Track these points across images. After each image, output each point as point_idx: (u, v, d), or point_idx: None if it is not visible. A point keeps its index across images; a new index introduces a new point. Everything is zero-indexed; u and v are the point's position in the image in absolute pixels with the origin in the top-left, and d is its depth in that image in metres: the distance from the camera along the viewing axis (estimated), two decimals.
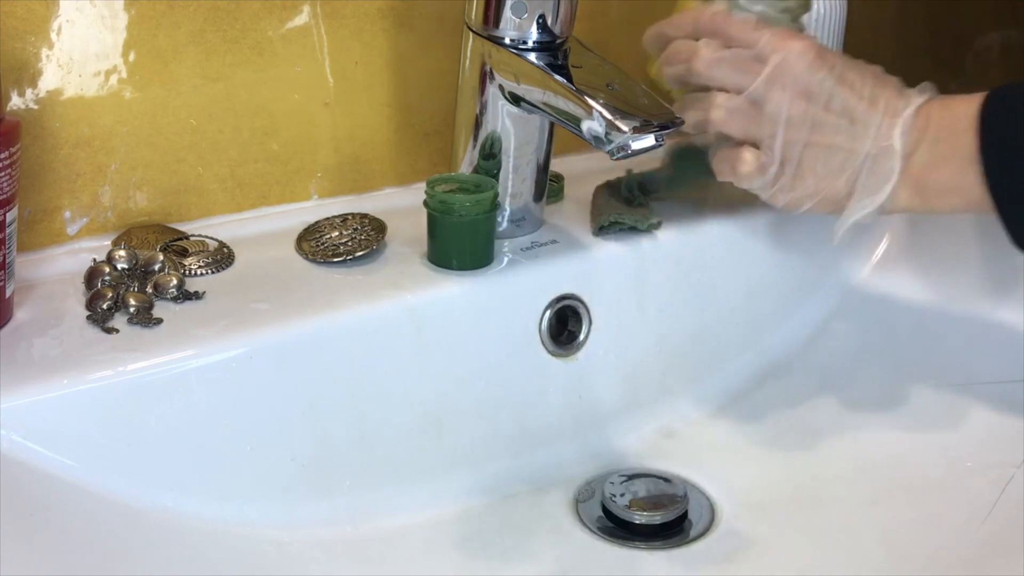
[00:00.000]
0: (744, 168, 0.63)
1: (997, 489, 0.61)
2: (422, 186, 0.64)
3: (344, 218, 0.68)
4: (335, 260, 0.64)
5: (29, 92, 0.61)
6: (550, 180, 0.70)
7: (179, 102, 0.65)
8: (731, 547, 0.60)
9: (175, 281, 0.59)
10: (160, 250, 0.63)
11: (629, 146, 0.58)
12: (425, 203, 0.64)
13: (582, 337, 0.67)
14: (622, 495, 0.62)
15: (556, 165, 0.72)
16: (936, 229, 0.78)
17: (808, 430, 0.69)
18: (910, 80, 0.65)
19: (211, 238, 0.65)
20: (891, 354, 0.73)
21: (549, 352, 0.66)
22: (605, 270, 0.68)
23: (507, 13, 0.62)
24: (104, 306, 0.57)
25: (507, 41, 0.62)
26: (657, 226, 0.70)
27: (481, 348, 0.64)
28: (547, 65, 0.62)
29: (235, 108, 0.67)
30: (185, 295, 0.59)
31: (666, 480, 0.64)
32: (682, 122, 0.60)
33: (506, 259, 0.66)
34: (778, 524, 0.62)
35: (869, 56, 0.66)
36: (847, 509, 0.63)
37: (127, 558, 0.50)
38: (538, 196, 0.69)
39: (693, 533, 0.61)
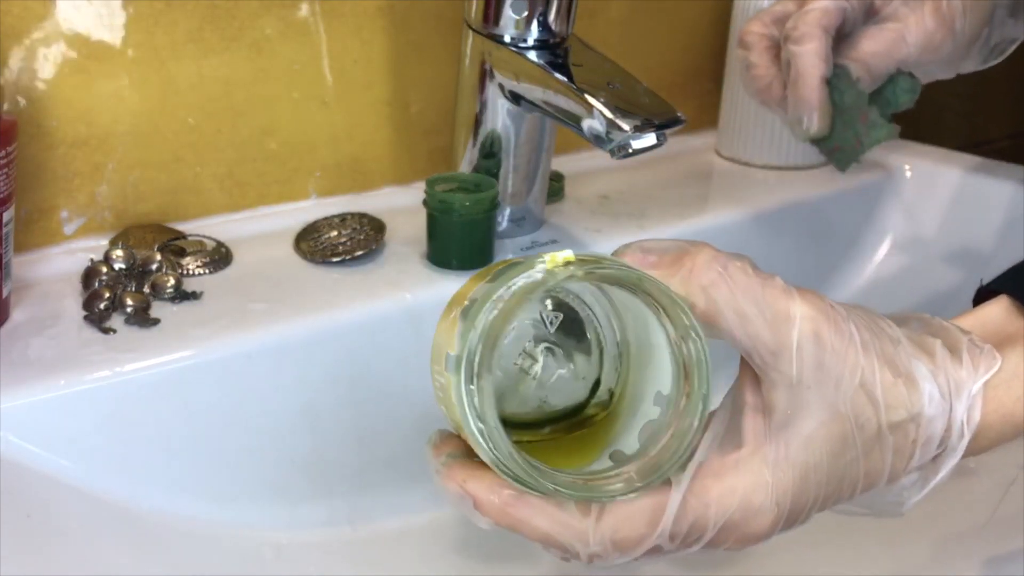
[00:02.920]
0: None
1: (1000, 490, 0.61)
2: (421, 185, 0.64)
3: (343, 217, 0.68)
4: (334, 260, 0.64)
5: (26, 91, 0.60)
6: (550, 179, 0.70)
7: (177, 101, 0.65)
8: None
9: (173, 281, 0.59)
10: (158, 250, 0.62)
11: (630, 145, 0.58)
12: (425, 202, 0.63)
13: None
14: None
15: (556, 164, 0.72)
16: (933, 229, 0.78)
17: None
18: None
19: (209, 238, 0.65)
20: None
21: None
22: None
23: (507, 11, 0.62)
24: (101, 306, 0.57)
25: (507, 39, 0.62)
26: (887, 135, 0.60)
27: None
28: (547, 63, 0.61)
29: (233, 107, 0.67)
30: (183, 295, 0.59)
31: None
32: (683, 121, 0.60)
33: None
34: None
35: None
36: None
37: (125, 559, 0.50)
38: (538, 195, 0.68)
39: None
